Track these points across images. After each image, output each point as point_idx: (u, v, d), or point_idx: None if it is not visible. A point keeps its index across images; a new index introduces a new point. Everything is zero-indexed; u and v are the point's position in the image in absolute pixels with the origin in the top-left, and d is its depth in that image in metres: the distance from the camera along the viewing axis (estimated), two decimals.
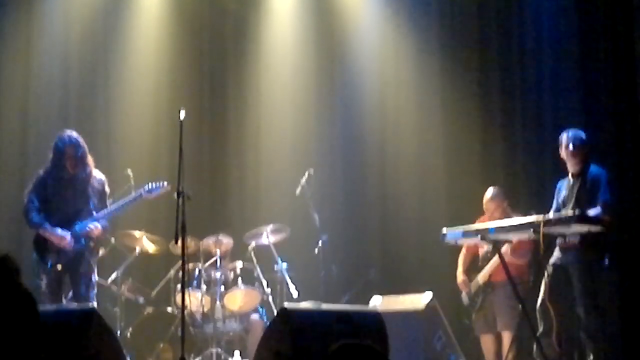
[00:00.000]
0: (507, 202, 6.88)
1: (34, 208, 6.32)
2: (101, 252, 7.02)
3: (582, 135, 6.18)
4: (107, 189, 6.51)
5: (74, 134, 6.45)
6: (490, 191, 6.91)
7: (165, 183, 6.57)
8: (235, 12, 8.96)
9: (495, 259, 6.34)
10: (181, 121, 5.57)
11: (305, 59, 8.80)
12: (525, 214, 6.02)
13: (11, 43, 8.34)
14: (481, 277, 6.78)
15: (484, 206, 6.90)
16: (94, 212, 6.35)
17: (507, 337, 6.58)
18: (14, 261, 3.04)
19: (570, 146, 6.12)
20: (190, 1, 8.88)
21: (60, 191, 6.35)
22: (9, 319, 2.80)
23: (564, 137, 6.20)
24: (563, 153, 6.21)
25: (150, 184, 6.55)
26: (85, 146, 6.45)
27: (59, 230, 6.22)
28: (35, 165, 8.01)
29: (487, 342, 6.80)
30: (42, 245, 6.27)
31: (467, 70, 8.19)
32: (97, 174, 6.49)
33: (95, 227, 6.29)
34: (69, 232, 6.23)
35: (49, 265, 6.20)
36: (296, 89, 8.80)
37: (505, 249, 6.37)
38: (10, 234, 7.82)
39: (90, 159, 6.47)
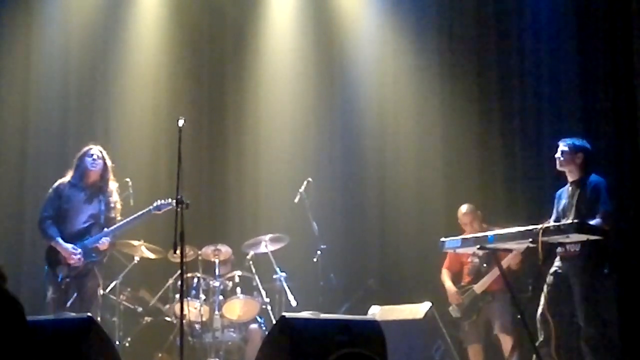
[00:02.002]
0: (479, 213, 7.04)
1: (49, 218, 6.37)
2: None
3: (575, 142, 6.14)
4: (119, 206, 6.57)
5: (100, 149, 6.52)
6: (464, 207, 7.06)
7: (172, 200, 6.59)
8: (234, 19, 8.98)
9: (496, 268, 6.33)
10: (180, 129, 5.57)
11: (304, 67, 8.82)
12: (501, 226, 6.08)
13: (10, 49, 8.34)
14: (478, 286, 6.79)
15: (461, 221, 7.04)
16: (105, 227, 6.41)
17: (506, 341, 6.59)
18: (0, 268, 3.04)
19: (559, 152, 6.13)
20: (189, 9, 8.89)
21: (76, 204, 6.41)
22: None
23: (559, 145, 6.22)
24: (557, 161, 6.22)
25: (159, 200, 6.56)
26: (109, 163, 6.51)
27: (71, 247, 6.26)
28: (34, 171, 8.05)
29: (475, 352, 6.82)
30: (54, 258, 6.32)
31: (466, 78, 8.20)
32: (112, 191, 6.54)
33: (104, 241, 6.35)
34: (80, 249, 6.27)
35: (59, 278, 6.22)
36: (295, 97, 8.80)
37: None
38: (8, 235, 7.89)
39: (111, 176, 6.52)
